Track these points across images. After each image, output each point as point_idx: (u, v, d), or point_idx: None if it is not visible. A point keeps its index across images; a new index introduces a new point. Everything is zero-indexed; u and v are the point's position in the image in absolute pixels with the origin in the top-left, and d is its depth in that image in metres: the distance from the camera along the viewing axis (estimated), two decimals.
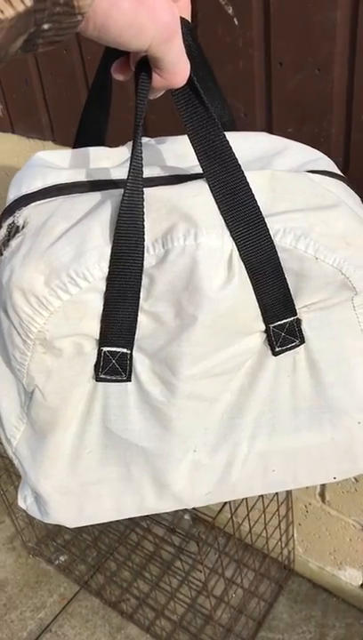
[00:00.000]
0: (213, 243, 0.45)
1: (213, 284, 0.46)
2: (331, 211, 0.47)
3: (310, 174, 0.50)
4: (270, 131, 0.78)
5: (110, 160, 0.53)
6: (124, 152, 0.54)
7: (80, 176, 0.50)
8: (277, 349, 0.51)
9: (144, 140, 0.56)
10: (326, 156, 0.56)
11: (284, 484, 0.61)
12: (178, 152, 0.53)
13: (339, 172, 0.55)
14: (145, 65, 0.42)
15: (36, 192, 0.48)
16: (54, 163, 0.52)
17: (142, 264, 0.46)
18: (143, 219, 0.45)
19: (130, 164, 0.44)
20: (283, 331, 0.51)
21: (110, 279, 0.45)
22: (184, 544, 1.28)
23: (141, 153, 0.44)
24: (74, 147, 0.56)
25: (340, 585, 1.20)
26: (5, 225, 0.48)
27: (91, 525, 1.18)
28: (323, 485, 1.11)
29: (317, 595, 1.23)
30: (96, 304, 0.46)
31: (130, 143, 0.55)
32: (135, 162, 0.44)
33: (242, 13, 0.72)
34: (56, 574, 1.33)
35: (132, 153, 0.44)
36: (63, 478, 0.55)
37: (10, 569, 1.36)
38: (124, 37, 0.37)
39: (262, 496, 1.08)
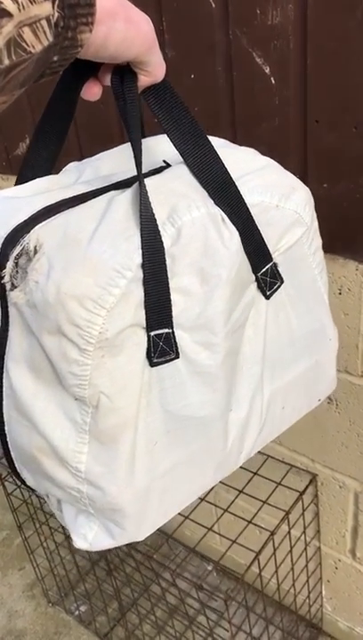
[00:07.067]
0: (211, 210, 0.52)
1: (225, 242, 0.53)
2: (272, 168, 0.59)
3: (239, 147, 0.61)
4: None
5: (62, 183, 0.56)
6: (67, 176, 0.57)
7: (60, 196, 0.52)
8: (268, 293, 0.59)
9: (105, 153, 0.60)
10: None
11: (289, 420, 0.69)
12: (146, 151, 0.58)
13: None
14: (122, 71, 0.48)
15: (31, 217, 0.49)
16: (21, 195, 0.54)
17: (163, 245, 0.50)
18: (152, 206, 0.49)
19: (135, 160, 0.49)
20: (267, 276, 0.58)
21: (145, 265, 0.49)
22: (207, 599, 1.25)
23: (141, 149, 0.49)
24: (18, 181, 0.56)
25: None
26: (12, 257, 0.48)
27: (112, 576, 1.16)
28: (354, 542, 1.08)
29: None
30: (138, 292, 0.49)
31: (66, 168, 0.59)
32: (138, 157, 0.49)
33: (279, 72, 0.73)
34: (76, 625, 1.31)
35: (133, 150, 0.49)
36: (142, 480, 0.56)
37: (29, 618, 1.33)
38: (118, 52, 0.43)
39: (290, 551, 1.05)
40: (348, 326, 0.86)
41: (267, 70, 0.74)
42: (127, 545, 1.03)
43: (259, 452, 1.09)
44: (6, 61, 0.34)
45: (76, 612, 1.33)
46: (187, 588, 1.25)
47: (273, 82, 0.74)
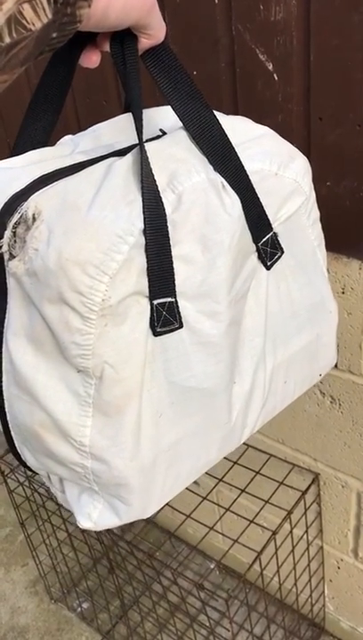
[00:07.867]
0: (211, 175, 0.52)
1: (226, 208, 0.52)
2: (269, 136, 0.58)
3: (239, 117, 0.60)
4: None
5: (58, 154, 0.55)
6: (63, 148, 0.56)
7: (58, 165, 0.51)
8: (269, 263, 0.59)
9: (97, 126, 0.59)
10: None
11: (291, 396, 0.68)
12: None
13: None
14: (122, 35, 0.47)
15: (29, 185, 0.48)
16: (16, 165, 0.53)
17: (165, 211, 0.49)
18: (153, 172, 0.49)
19: (135, 123, 0.48)
20: (268, 246, 0.58)
21: (147, 231, 0.48)
22: (208, 599, 1.24)
23: (142, 112, 0.48)
24: (14, 153, 0.56)
25: None
26: (10, 225, 0.47)
27: (114, 574, 1.16)
28: (356, 541, 1.07)
29: None
30: (140, 259, 0.48)
31: (61, 141, 0.58)
32: (139, 119, 0.48)
33: (282, 70, 0.72)
34: (78, 622, 1.31)
35: (133, 113, 0.48)
36: (148, 453, 0.55)
37: (31, 615, 1.34)
38: (119, 20, 0.43)
39: (292, 550, 1.05)
40: (351, 325, 0.85)
41: (270, 67, 0.73)
42: (129, 543, 1.03)
43: (262, 450, 1.08)
44: (7, 39, 0.34)
45: (79, 609, 1.33)
46: (189, 587, 1.24)
47: (276, 78, 0.73)
